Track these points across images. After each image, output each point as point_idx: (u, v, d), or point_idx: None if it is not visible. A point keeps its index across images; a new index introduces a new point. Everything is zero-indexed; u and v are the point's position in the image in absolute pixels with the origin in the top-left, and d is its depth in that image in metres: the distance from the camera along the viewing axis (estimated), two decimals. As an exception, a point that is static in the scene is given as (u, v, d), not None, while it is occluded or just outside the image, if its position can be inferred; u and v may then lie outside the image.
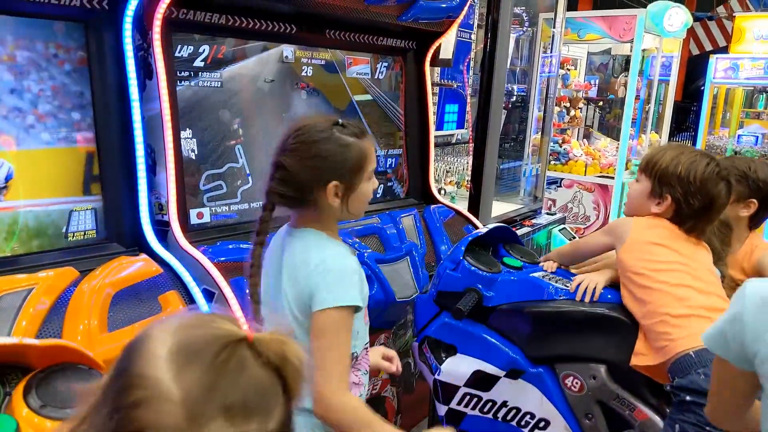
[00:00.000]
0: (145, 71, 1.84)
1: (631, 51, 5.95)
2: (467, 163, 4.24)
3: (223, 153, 2.10)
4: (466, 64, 4.37)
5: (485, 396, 1.98)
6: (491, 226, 2.18)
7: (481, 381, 1.97)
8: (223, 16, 2.01)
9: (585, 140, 6.88)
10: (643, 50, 6.25)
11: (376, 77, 2.69)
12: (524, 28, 4.81)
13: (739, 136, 7.57)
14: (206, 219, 2.06)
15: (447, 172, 4.27)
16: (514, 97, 4.97)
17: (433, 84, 3.33)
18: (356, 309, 1.32)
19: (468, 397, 2.00)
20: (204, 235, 1.98)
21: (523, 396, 1.93)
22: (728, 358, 1.07)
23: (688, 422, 1.51)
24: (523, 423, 1.95)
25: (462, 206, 2.97)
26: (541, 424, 1.92)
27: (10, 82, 1.60)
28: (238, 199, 2.15)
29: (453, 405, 2.04)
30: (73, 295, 1.54)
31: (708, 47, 12.37)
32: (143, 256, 1.77)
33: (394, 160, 2.81)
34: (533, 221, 3.80)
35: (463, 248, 1.98)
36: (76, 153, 1.75)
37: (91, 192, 1.78)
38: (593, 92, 7.00)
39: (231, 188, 2.13)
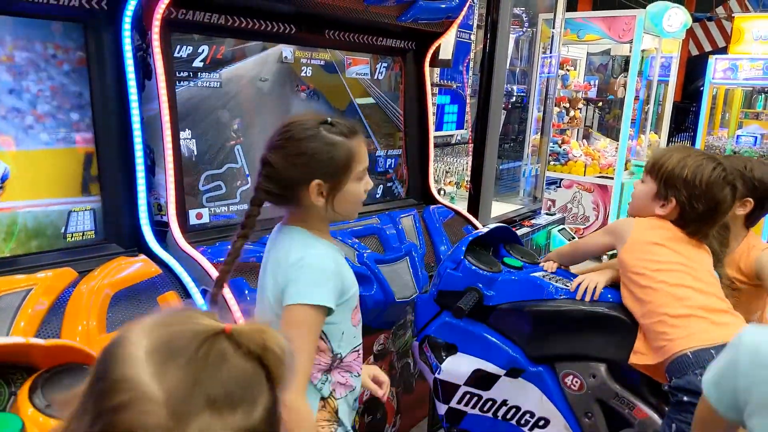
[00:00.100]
0: (144, 71, 1.83)
1: (630, 51, 5.97)
2: (467, 163, 4.25)
3: (222, 153, 2.10)
4: (465, 64, 4.38)
5: (485, 395, 1.98)
6: (492, 226, 2.18)
7: (481, 380, 1.97)
8: (222, 16, 2.01)
9: (584, 141, 6.90)
10: (643, 51, 6.27)
11: (375, 78, 2.69)
12: (524, 29, 4.82)
13: (738, 136, 7.57)
14: (205, 219, 2.06)
15: (446, 172, 4.27)
16: (514, 98, 4.97)
17: (432, 84, 3.34)
18: (327, 311, 1.31)
19: (468, 396, 2.00)
20: (203, 236, 1.98)
21: (523, 395, 1.93)
22: (719, 408, 1.07)
23: (685, 422, 1.51)
24: (523, 422, 1.95)
25: (461, 207, 2.97)
26: (541, 423, 1.92)
27: (8, 82, 1.60)
28: (238, 199, 2.15)
29: (453, 404, 2.04)
30: (72, 295, 1.53)
31: (707, 48, 12.39)
32: (142, 256, 1.77)
33: (393, 160, 2.81)
34: (533, 221, 3.81)
35: (464, 248, 1.98)
36: (74, 153, 1.75)
37: (89, 192, 1.78)
38: (593, 93, 7.02)
39: (230, 189, 2.12)
